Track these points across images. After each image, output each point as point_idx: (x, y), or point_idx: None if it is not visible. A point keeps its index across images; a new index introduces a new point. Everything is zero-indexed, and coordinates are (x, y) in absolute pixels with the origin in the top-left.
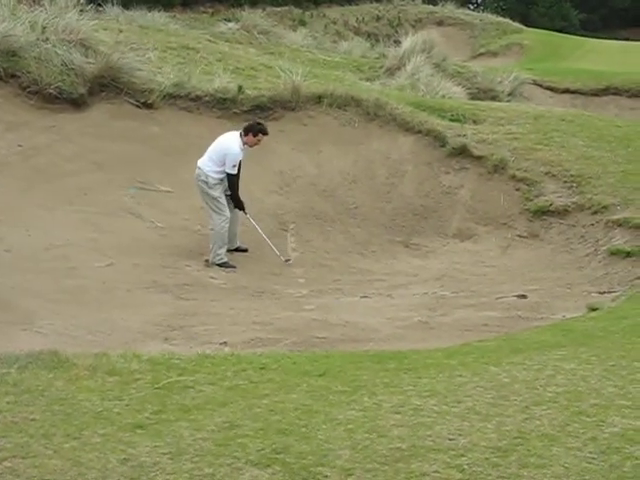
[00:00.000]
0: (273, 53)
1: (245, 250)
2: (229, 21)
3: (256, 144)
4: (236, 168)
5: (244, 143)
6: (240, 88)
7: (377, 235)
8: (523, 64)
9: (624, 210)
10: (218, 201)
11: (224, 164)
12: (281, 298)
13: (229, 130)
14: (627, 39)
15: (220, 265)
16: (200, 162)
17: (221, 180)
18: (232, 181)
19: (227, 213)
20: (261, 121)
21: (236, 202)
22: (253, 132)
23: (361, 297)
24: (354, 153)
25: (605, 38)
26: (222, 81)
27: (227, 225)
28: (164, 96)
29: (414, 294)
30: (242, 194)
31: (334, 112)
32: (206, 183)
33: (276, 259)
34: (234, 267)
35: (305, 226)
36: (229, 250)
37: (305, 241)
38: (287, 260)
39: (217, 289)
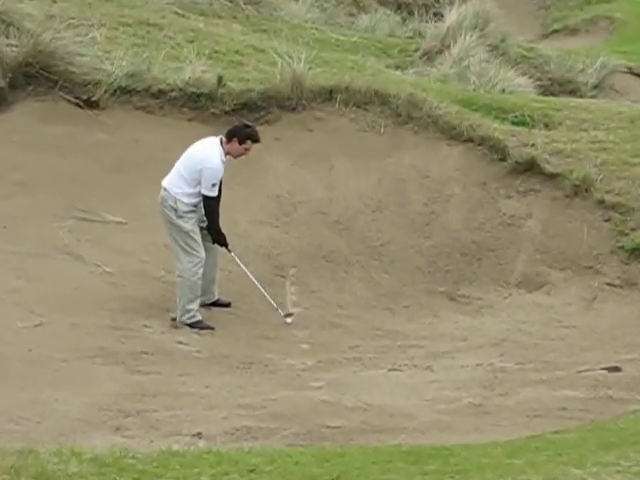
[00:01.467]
0: (266, 31)
1: (227, 305)
2: None
3: (242, 154)
4: (216, 189)
5: (226, 153)
6: (220, 80)
7: (411, 284)
8: (614, 45)
9: None
10: (190, 237)
11: (199, 183)
12: (277, 371)
13: (205, 137)
14: None
15: (192, 325)
16: (166, 182)
17: (195, 207)
18: (210, 206)
19: (201, 254)
20: (249, 123)
21: (216, 235)
22: (239, 137)
23: (389, 370)
24: (379, 170)
25: None
26: (195, 70)
27: (200, 270)
28: (114, 91)
29: (463, 366)
30: (223, 226)
31: (351, 113)
32: (174, 211)
33: (271, 316)
34: (212, 328)
35: (311, 271)
36: (205, 304)
37: (311, 292)
38: (287, 316)
39: (188, 359)
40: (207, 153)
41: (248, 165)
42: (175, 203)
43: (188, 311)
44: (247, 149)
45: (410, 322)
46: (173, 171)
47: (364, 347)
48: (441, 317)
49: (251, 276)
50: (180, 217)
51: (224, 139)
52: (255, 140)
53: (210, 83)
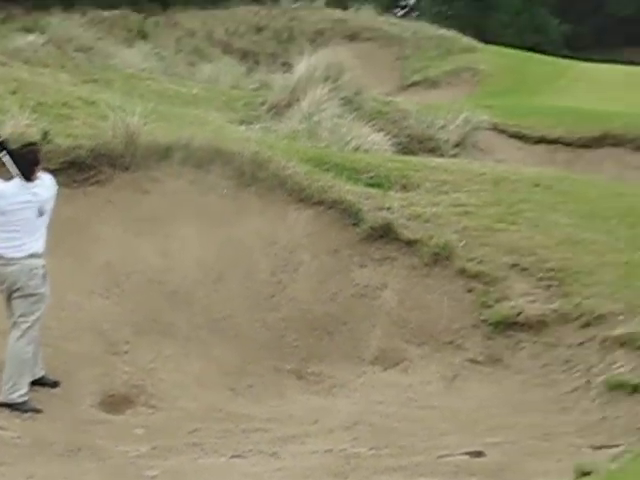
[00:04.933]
0: (97, 81)
1: (55, 384)
2: (30, 32)
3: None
4: None
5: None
6: (45, 135)
7: (256, 361)
8: (478, 99)
9: (629, 321)
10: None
11: None
12: (108, 459)
13: None
14: (632, 62)
15: (16, 406)
16: None
17: None
18: None
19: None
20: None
21: None
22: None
23: (231, 457)
24: (221, 236)
25: (600, 61)
26: (18, 124)
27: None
28: None
29: (313, 452)
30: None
31: (190, 173)
32: None
33: (102, 396)
34: (39, 410)
35: (145, 347)
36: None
37: (147, 370)
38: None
39: (7, 447)
40: None
41: (77, 232)
42: None
43: (16, 386)
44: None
45: (255, 403)
46: None
47: (204, 431)
48: (289, 397)
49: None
50: None
51: None
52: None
53: (35, 139)
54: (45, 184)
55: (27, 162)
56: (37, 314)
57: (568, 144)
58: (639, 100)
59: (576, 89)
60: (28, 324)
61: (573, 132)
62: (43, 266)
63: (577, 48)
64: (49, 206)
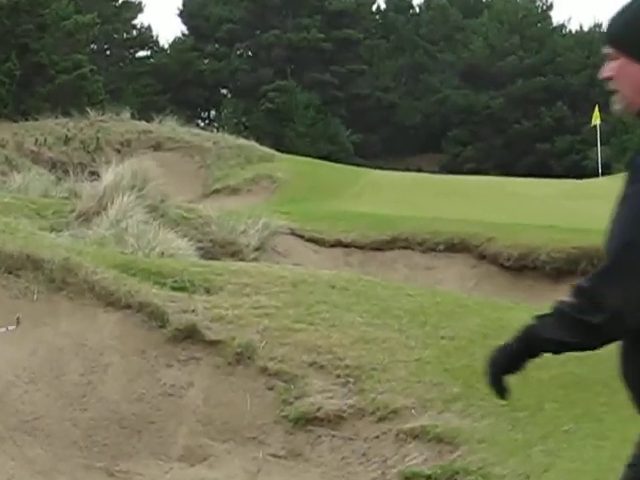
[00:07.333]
0: None
1: None
2: None
3: None
4: None
5: None
6: None
7: (67, 459)
8: (276, 205)
9: (421, 415)
10: None
11: None
12: None
13: None
14: (419, 169)
15: None
16: None
17: None
18: None
19: None
20: None
21: None
22: None
23: None
24: (33, 339)
25: (390, 168)
26: None
27: None
28: None
29: None
30: None
31: (2, 279)
32: None
33: None
34: None
35: None
36: None
37: None
38: None
39: None
40: None
41: None
42: None
43: None
44: None
45: None
46: None
47: None
48: None
49: None
50: None
51: None
52: None
53: None
54: None
55: None
56: None
57: (361, 247)
58: (427, 204)
59: (367, 195)
60: None
61: (366, 235)
62: None
63: (368, 156)
64: None
